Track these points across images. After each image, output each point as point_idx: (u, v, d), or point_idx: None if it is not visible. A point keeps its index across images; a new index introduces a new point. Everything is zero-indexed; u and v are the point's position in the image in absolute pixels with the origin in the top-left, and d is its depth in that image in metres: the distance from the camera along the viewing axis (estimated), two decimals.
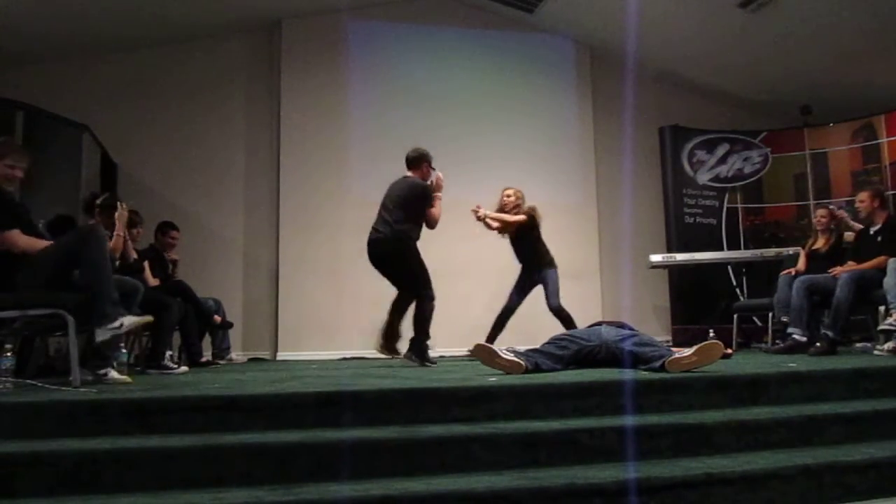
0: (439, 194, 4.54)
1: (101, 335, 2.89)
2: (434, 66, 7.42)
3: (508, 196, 5.38)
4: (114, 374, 3.11)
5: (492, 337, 5.23)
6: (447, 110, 7.33)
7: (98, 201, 4.28)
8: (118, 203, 4.13)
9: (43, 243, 3.12)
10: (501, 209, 5.36)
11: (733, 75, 7.63)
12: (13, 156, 3.14)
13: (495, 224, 5.31)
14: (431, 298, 4.39)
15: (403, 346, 4.51)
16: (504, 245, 6.39)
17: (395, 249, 4.40)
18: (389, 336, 4.57)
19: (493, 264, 6.95)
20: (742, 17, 6.55)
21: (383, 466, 2.01)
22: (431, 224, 4.53)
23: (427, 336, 4.36)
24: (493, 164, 7.20)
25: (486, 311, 6.70)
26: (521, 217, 5.24)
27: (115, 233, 4.01)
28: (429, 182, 4.56)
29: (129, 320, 2.96)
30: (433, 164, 4.69)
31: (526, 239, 5.32)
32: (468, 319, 5.84)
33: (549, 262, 5.31)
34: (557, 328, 4.86)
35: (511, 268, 6.94)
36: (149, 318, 3.08)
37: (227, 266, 6.83)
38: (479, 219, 5.26)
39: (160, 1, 6.18)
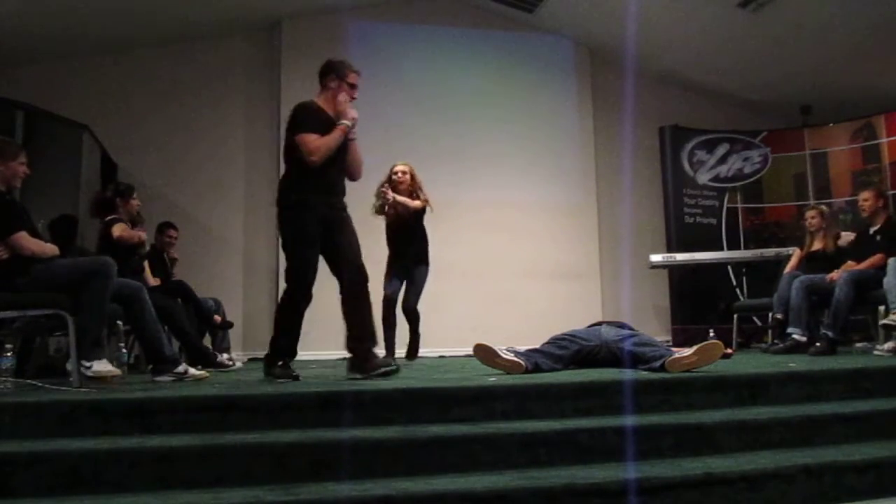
0: (346, 122, 3.06)
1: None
2: (434, 66, 7.41)
3: (405, 173, 4.80)
4: (192, 370, 3.20)
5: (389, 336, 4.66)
6: (447, 110, 7.31)
7: (121, 188, 4.47)
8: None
9: (49, 246, 3.15)
10: (394, 187, 4.75)
11: (733, 75, 7.62)
12: (22, 154, 3.19)
13: (398, 207, 4.73)
14: (293, 295, 3.16)
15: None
16: (509, 243, 6.37)
17: (278, 218, 3.18)
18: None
19: (495, 263, 7.00)
20: (742, 17, 6.54)
21: (383, 466, 2.01)
22: (309, 156, 2.97)
23: (279, 347, 3.16)
24: (492, 163, 7.19)
25: (487, 310, 6.73)
26: (420, 203, 4.75)
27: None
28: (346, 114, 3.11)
29: (98, 367, 2.91)
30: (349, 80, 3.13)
31: (416, 227, 4.81)
32: (468, 319, 5.84)
33: (426, 259, 4.84)
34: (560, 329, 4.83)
35: (513, 266, 6.99)
36: (117, 372, 3.02)
37: (226, 266, 6.82)
38: (385, 200, 4.66)
39: (160, 1, 6.18)
